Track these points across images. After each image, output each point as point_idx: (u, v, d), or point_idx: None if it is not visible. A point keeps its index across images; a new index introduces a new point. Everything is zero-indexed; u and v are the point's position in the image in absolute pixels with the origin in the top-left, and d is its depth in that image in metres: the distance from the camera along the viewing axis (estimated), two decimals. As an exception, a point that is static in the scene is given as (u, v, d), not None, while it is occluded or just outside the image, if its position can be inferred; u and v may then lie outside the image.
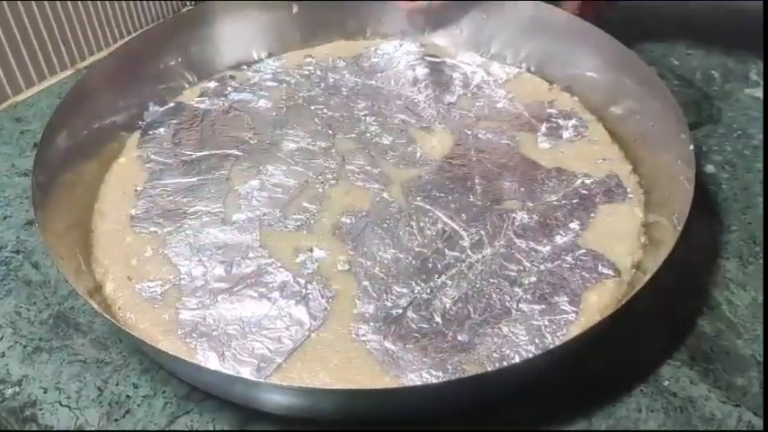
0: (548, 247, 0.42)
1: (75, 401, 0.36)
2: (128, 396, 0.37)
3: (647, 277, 0.34)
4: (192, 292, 0.39)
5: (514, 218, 0.43)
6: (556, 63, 0.55)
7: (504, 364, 0.35)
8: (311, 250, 0.42)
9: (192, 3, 0.74)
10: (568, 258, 0.41)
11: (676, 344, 0.38)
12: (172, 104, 0.54)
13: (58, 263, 0.35)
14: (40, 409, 0.36)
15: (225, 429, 0.35)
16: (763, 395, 0.36)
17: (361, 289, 0.39)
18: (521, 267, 0.40)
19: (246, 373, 0.35)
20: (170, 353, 0.31)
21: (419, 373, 0.35)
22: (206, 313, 0.38)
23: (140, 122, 0.52)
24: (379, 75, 0.57)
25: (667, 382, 0.37)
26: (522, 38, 0.57)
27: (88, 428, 0.35)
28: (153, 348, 0.32)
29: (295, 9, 0.59)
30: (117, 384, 0.37)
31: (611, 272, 0.40)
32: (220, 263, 0.41)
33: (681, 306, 0.41)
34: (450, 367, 0.35)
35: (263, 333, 0.37)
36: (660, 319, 0.40)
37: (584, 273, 0.40)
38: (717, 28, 0.64)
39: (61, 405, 0.36)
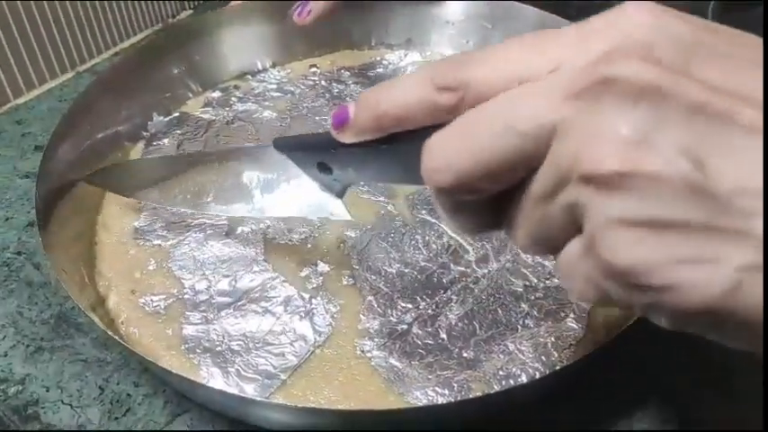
0: (554, 262, 0.41)
1: (76, 400, 0.37)
2: (128, 395, 0.37)
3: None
4: (196, 306, 0.39)
5: (520, 232, 0.43)
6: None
7: (511, 382, 0.35)
8: (316, 264, 0.41)
9: (192, 7, 0.74)
10: (575, 273, 0.40)
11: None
12: (176, 115, 0.54)
13: (60, 277, 0.35)
14: (43, 408, 0.36)
15: (224, 429, 0.35)
16: (762, 398, 0.35)
17: (365, 304, 0.39)
18: (527, 282, 0.40)
19: (251, 390, 0.35)
20: (173, 371, 0.31)
21: (424, 391, 0.35)
22: (210, 328, 0.38)
23: (144, 133, 0.52)
24: (383, 85, 0.57)
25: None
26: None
27: (89, 427, 0.35)
28: (156, 367, 0.31)
29: (300, 19, 0.59)
30: (118, 383, 0.37)
31: (618, 287, 0.39)
32: (224, 276, 0.41)
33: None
34: (455, 385, 0.35)
35: (267, 349, 0.37)
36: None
37: (590, 288, 0.40)
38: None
39: (63, 403, 0.36)
